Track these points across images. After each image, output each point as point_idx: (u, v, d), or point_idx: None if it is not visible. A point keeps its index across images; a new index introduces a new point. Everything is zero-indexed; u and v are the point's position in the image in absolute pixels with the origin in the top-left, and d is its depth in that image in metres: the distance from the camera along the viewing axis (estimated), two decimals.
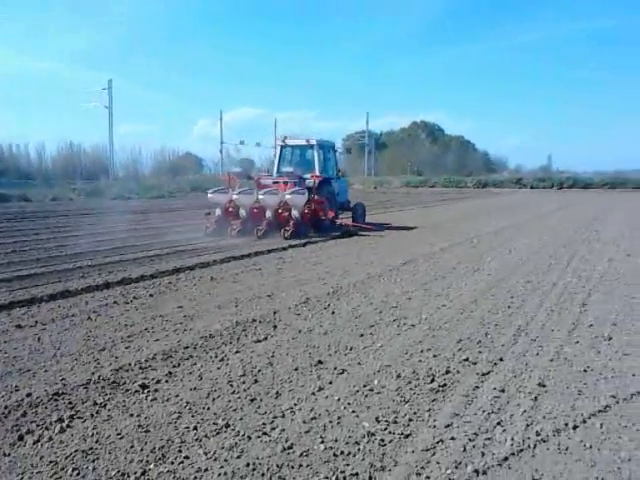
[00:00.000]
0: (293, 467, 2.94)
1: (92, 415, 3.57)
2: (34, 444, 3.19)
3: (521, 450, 3.14)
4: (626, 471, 2.91)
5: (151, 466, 2.95)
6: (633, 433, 3.33)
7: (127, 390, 3.98)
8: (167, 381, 4.14)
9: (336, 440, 3.23)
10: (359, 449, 3.14)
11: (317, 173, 14.91)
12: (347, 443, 3.20)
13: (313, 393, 3.91)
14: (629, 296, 6.87)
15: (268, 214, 13.22)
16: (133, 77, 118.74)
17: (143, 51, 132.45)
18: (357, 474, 2.88)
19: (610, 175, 61.31)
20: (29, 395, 3.84)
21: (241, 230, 13.17)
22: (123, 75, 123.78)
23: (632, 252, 10.72)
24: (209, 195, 14.01)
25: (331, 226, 14.70)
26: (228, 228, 13.29)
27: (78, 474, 2.87)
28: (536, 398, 3.85)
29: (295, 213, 13.29)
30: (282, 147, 16.34)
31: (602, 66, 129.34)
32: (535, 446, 3.19)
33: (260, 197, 13.12)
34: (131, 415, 3.57)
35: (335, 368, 4.39)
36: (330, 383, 4.09)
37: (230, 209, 13.75)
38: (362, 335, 5.27)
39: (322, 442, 3.20)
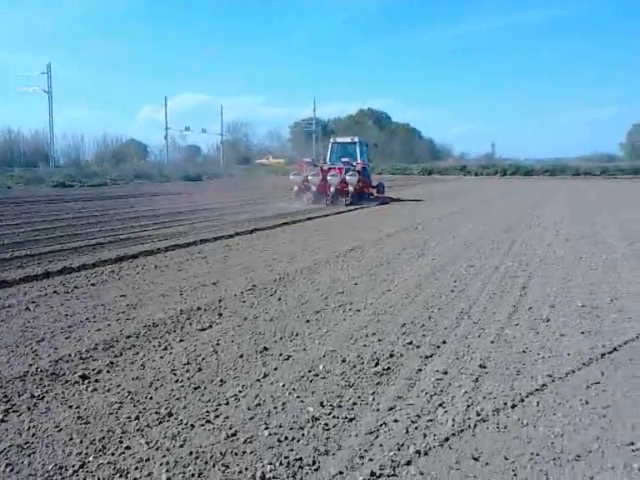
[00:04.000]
0: (237, 454, 2.92)
1: (29, 408, 3.46)
2: None
3: (462, 430, 3.21)
4: (559, 446, 3.02)
5: (90, 458, 2.88)
6: (567, 410, 3.45)
7: (66, 381, 3.87)
8: (108, 371, 4.05)
9: (280, 426, 3.23)
10: (303, 434, 3.15)
11: (359, 162, 20.90)
12: (291, 428, 3.20)
13: (258, 380, 3.89)
14: (566, 279, 7.11)
15: (332, 189, 19.35)
16: (75, 62, 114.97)
17: (85, 34, 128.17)
18: (301, 459, 2.88)
19: (550, 163, 63.47)
20: None
21: (313, 200, 19.32)
22: (65, 59, 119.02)
23: (570, 237, 11.09)
24: (290, 177, 20.70)
25: (370, 197, 21.24)
26: (304, 198, 19.58)
27: (12, 470, 2.77)
28: (477, 379, 3.94)
29: (351, 188, 19.48)
30: (332, 143, 23.16)
31: (541, 56, 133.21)
32: (475, 426, 3.27)
33: (328, 178, 19.31)
34: (70, 407, 3.48)
35: (280, 354, 4.39)
36: (275, 369, 4.09)
37: (302, 186, 19.91)
38: (308, 321, 5.28)
39: (266, 428, 3.19)
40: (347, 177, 19.35)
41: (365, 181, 21.02)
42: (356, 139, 22.82)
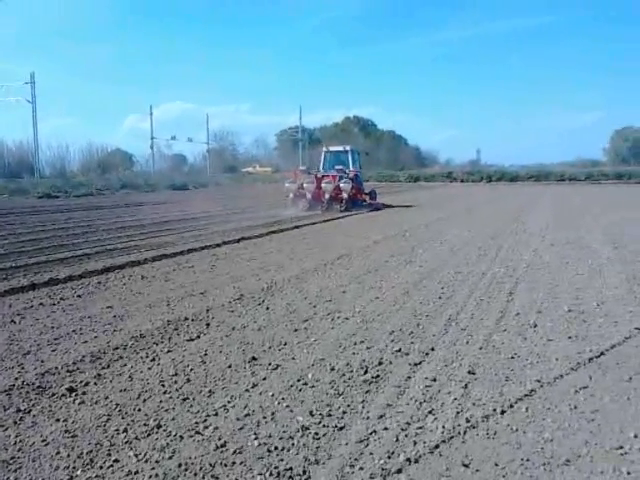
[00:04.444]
0: (226, 465, 2.90)
1: (15, 422, 3.41)
2: None
3: (452, 437, 3.21)
4: (549, 451, 3.03)
5: (78, 472, 2.85)
6: (555, 415, 3.47)
7: (53, 394, 3.83)
8: (96, 383, 4.01)
9: (270, 436, 3.22)
10: (293, 444, 3.13)
11: (352, 170, 21.80)
12: (281, 438, 3.19)
13: (247, 390, 3.87)
14: (552, 284, 7.15)
15: (327, 196, 20.19)
16: (59, 71, 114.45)
17: (69, 43, 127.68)
18: (291, 469, 2.87)
19: (535, 168, 64.13)
20: None
21: (308, 207, 19.96)
22: (49, 68, 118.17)
23: (555, 242, 11.16)
24: (286, 185, 21.03)
25: (363, 204, 21.99)
26: (299, 205, 20.17)
27: None
28: (466, 386, 3.94)
29: (345, 195, 20.22)
30: (326, 152, 23.81)
31: (524, 63, 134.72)
32: (465, 432, 3.27)
33: (323, 185, 20.17)
34: (57, 420, 3.44)
35: (269, 364, 4.37)
36: (264, 379, 4.07)
37: (297, 194, 20.52)
38: (296, 330, 5.27)
39: (256, 438, 3.18)
40: (341, 184, 20.14)
41: (358, 188, 21.82)
42: (348, 147, 23.70)
